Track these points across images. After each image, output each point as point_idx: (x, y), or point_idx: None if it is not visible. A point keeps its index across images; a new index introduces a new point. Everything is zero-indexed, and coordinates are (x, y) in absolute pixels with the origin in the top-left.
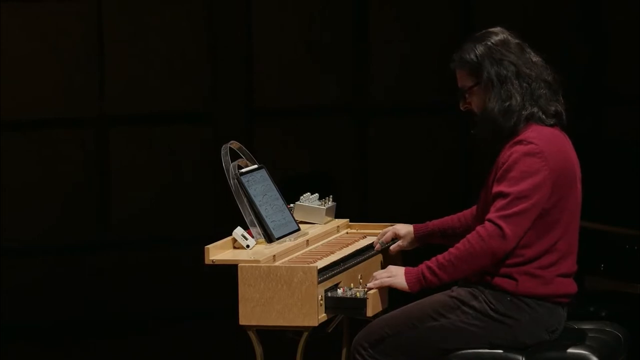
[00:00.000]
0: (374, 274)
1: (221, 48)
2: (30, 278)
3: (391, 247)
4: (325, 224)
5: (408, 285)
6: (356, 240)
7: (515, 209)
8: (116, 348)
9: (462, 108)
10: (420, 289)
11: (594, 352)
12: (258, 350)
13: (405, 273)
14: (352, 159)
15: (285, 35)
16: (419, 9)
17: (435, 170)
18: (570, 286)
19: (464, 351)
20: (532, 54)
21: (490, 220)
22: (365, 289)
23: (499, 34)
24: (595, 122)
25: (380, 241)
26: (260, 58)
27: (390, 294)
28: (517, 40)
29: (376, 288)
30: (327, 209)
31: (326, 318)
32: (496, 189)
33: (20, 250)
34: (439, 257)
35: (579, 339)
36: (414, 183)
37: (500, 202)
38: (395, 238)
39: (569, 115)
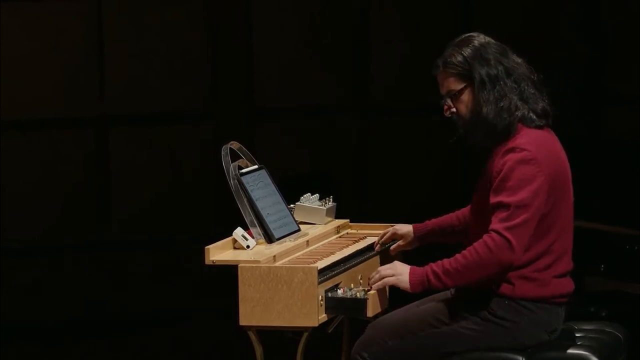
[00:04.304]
0: (379, 268)
1: (221, 48)
2: (30, 278)
3: (391, 248)
4: (325, 224)
5: (410, 286)
6: (356, 241)
7: (519, 220)
8: (116, 348)
9: (447, 114)
10: (422, 291)
11: (594, 352)
12: (258, 350)
13: (410, 273)
14: (352, 159)
15: (285, 35)
16: (419, 9)
17: (435, 170)
18: (567, 285)
19: (464, 354)
20: (515, 55)
21: (497, 232)
22: (366, 289)
23: (481, 37)
24: (595, 122)
25: (380, 242)
26: (260, 58)
27: (391, 295)
28: (498, 42)
29: (379, 287)
30: (328, 209)
31: (326, 318)
32: (495, 199)
33: (20, 250)
34: (445, 262)
35: (579, 339)
36: (414, 183)
37: (502, 213)
38: (396, 238)
39: (569, 115)
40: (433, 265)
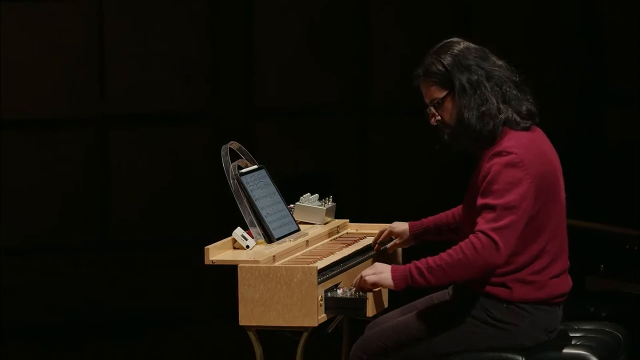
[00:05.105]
0: (362, 272)
1: (221, 48)
2: (30, 278)
3: (388, 246)
4: (325, 224)
5: (394, 282)
6: (356, 241)
7: (505, 221)
8: (116, 348)
9: (432, 123)
10: (405, 288)
11: (593, 352)
12: (258, 350)
13: (392, 270)
14: (352, 159)
15: (285, 35)
16: (419, 9)
17: (435, 170)
18: (564, 285)
19: (463, 355)
20: (495, 57)
21: (483, 232)
22: (352, 289)
23: (460, 43)
24: (595, 122)
25: (378, 241)
26: (260, 58)
27: (390, 295)
28: (478, 46)
29: (363, 289)
30: (327, 209)
31: (326, 318)
32: (482, 201)
33: (20, 250)
34: (429, 259)
35: (578, 339)
36: (414, 183)
37: (489, 214)
38: (392, 237)
39: (569, 115)
40: (416, 262)
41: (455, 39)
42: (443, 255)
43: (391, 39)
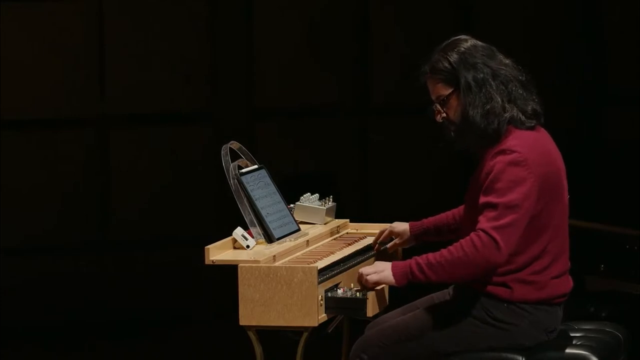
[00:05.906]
0: (360, 270)
1: (221, 48)
2: (30, 278)
3: (388, 246)
4: (325, 224)
5: (395, 279)
6: (356, 241)
7: (507, 220)
8: (116, 348)
9: (438, 120)
10: (407, 283)
11: (594, 352)
12: (258, 350)
13: (393, 267)
14: (352, 159)
15: (285, 35)
16: (419, 9)
17: (435, 170)
18: (565, 285)
19: (463, 355)
20: (502, 56)
21: (484, 231)
22: (352, 289)
23: (468, 40)
24: (595, 122)
25: (379, 241)
26: (260, 58)
27: (390, 294)
28: (485, 45)
29: (366, 288)
30: (327, 209)
31: (326, 318)
32: (484, 199)
33: (20, 250)
34: (430, 256)
35: (578, 339)
36: (414, 183)
37: (491, 213)
38: (392, 237)
39: (569, 114)
40: (417, 258)
41: (462, 37)
42: (444, 252)
43: (391, 39)
